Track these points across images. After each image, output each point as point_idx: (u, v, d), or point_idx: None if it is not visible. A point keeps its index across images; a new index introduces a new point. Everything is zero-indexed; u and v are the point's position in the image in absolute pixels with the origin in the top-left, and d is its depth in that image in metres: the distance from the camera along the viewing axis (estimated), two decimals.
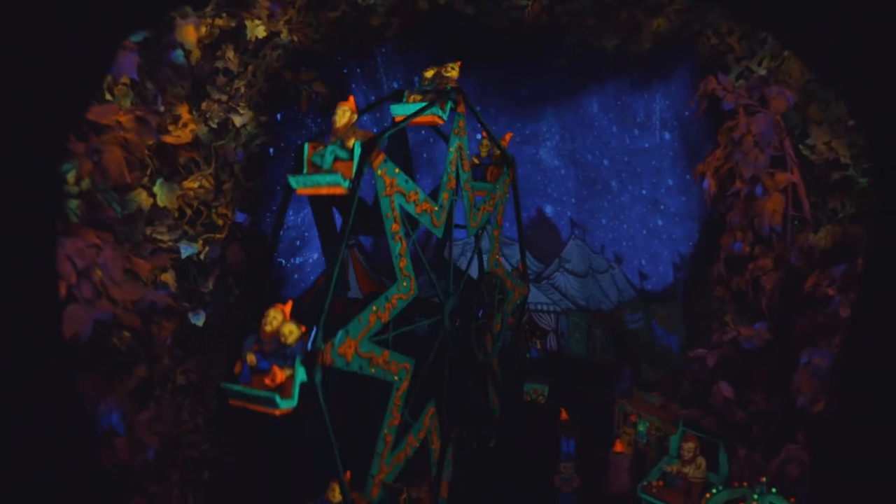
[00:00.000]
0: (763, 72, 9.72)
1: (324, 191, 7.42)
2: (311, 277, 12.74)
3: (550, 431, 12.51)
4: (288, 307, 6.91)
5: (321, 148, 7.39)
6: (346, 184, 7.25)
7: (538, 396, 14.17)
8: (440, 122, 9.27)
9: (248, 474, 10.26)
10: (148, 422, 7.27)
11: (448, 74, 9.50)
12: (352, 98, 7.81)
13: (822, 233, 9.19)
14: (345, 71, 12.97)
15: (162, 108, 7.85)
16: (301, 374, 6.54)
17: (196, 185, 8.62)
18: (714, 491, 8.88)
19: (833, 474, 4.45)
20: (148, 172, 7.79)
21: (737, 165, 9.41)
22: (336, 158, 7.35)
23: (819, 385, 8.26)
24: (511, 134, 11.44)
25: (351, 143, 7.28)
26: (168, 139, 7.70)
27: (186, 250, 8.53)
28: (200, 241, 8.88)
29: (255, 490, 10.30)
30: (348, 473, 7.61)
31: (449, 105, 9.21)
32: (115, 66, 6.35)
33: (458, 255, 11.24)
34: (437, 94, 9.30)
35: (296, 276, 13.06)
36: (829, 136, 9.22)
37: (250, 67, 9.48)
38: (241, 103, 9.23)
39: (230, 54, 8.94)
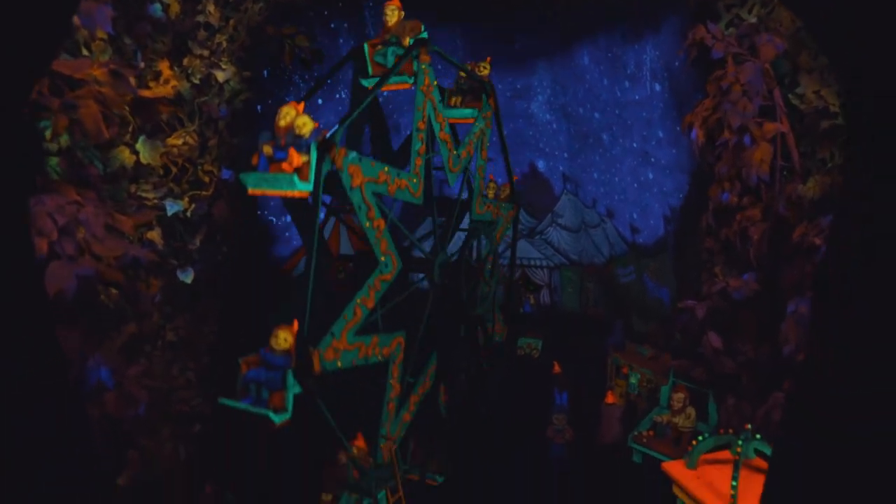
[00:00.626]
0: (753, 20, 9.54)
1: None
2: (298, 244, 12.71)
3: (543, 384, 12.66)
4: (301, 105, 6.87)
5: (380, 47, 7.63)
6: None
7: (532, 350, 14.33)
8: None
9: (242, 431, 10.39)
10: (138, 377, 7.36)
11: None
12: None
13: (810, 183, 9.13)
14: (332, 26, 12.76)
15: (142, 65, 7.74)
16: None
17: (180, 141, 8.55)
18: (700, 438, 9.01)
19: (807, 418, 4.49)
20: (130, 129, 7.71)
21: (725, 115, 9.29)
22: (397, 57, 7.82)
23: (805, 333, 8.31)
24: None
25: (407, 40, 7.75)
26: (146, 93, 7.60)
27: (172, 208, 8.51)
28: (186, 199, 8.86)
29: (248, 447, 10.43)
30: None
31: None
32: (88, 19, 6.24)
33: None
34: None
35: (287, 233, 13.05)
36: (819, 84, 9.09)
37: (232, 21, 9.32)
38: (223, 58, 9.10)
39: (211, 8, 8.78)
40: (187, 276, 8.89)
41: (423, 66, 8.70)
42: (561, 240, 15.39)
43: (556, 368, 12.94)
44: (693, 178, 12.34)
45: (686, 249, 12.59)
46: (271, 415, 6.49)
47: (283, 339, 6.91)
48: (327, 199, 9.24)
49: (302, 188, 6.66)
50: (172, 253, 8.85)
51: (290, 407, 6.60)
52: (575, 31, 13.54)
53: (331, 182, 7.12)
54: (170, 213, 8.44)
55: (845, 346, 3.95)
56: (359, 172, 7.41)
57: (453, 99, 10.21)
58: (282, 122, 6.69)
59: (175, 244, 8.81)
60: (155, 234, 8.18)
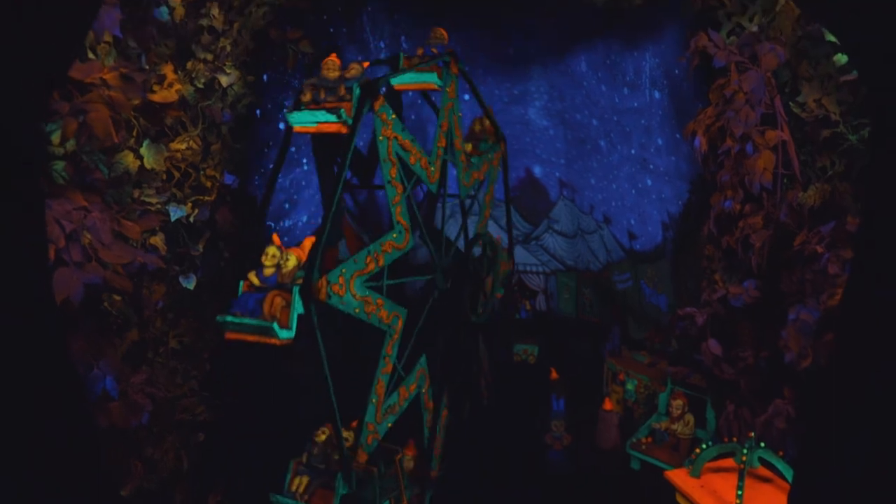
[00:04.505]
0: (754, 28, 9.57)
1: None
2: (301, 238, 12.58)
3: (541, 390, 12.63)
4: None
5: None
6: (282, 334, 6.79)
7: (528, 356, 14.30)
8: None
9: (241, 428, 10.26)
10: (141, 385, 7.22)
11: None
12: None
13: (811, 190, 9.18)
14: (331, 30, 12.67)
15: (146, 68, 7.62)
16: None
17: (183, 146, 8.43)
18: (703, 446, 9.01)
19: (819, 428, 4.47)
20: (134, 133, 7.58)
21: (728, 123, 9.32)
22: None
23: (806, 341, 8.34)
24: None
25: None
26: (155, 98, 7.49)
27: (176, 213, 8.38)
28: (189, 204, 8.73)
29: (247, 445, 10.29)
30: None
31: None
32: (98, 22, 6.12)
33: (448, 216, 11.13)
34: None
35: (285, 238, 12.88)
36: (820, 93, 9.13)
37: (236, 25, 9.21)
38: (227, 63, 8.99)
39: (215, 11, 8.67)
40: (190, 283, 8.76)
41: (453, 78, 9.43)
42: (557, 245, 15.36)
43: (554, 374, 12.91)
44: (692, 186, 12.36)
45: (684, 256, 12.63)
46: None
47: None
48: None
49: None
50: (175, 258, 8.72)
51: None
52: (572, 38, 13.54)
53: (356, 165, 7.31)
54: (173, 218, 8.32)
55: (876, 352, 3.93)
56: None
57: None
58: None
59: (178, 250, 8.68)
60: (158, 240, 8.04)
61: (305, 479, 7.64)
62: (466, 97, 13.06)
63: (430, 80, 9.21)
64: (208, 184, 9.05)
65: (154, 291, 8.08)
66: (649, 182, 13.57)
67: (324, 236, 6.84)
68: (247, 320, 6.61)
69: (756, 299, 9.43)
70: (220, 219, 9.34)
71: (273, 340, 6.66)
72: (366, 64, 8.63)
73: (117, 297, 7.24)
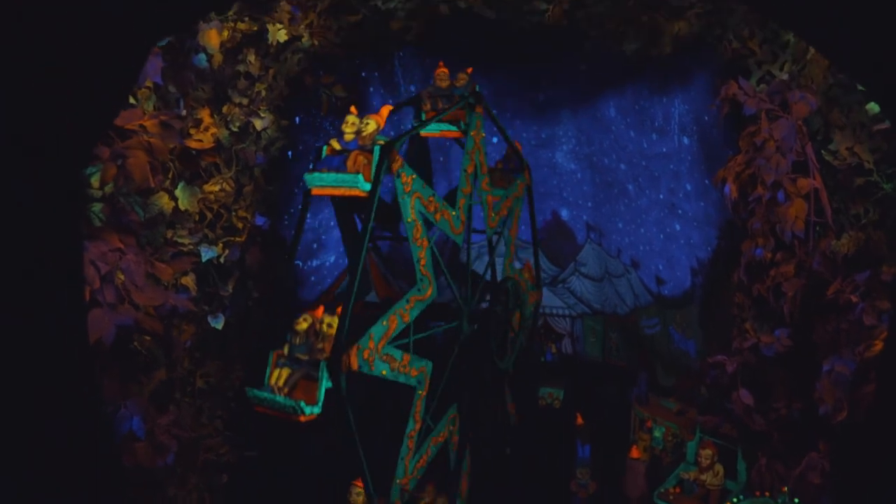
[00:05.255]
0: (785, 76, 9.55)
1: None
2: (328, 280, 12.65)
3: (566, 436, 12.42)
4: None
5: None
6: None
7: (553, 400, 14.08)
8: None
9: (267, 478, 10.23)
10: (168, 425, 7.23)
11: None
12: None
13: (844, 239, 9.03)
14: (363, 74, 12.93)
15: (184, 112, 7.81)
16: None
17: (217, 188, 8.57)
18: (735, 500, 8.77)
19: (854, 484, 4.34)
20: (170, 176, 7.74)
21: (758, 171, 9.24)
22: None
23: (842, 393, 8.12)
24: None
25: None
26: (192, 144, 7.66)
27: (207, 253, 8.49)
28: (220, 245, 8.84)
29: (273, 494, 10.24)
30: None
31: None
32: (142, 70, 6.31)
33: (474, 258, 11.14)
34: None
35: (313, 278, 13.00)
36: (852, 140, 9.04)
37: (271, 71, 9.43)
38: (261, 107, 9.18)
39: (251, 58, 8.89)
40: (218, 323, 8.82)
41: (478, 119, 9.51)
42: (584, 289, 15.26)
43: (579, 420, 12.69)
44: (721, 232, 12.25)
45: (714, 302, 12.45)
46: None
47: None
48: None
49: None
50: (204, 298, 8.80)
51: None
52: (602, 84, 13.64)
53: (380, 209, 7.49)
54: (204, 259, 8.41)
55: None
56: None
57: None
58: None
59: (208, 289, 8.76)
60: (189, 280, 8.14)
61: (286, 371, 7.09)
62: (494, 140, 13.18)
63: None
64: (239, 225, 9.17)
65: (183, 331, 8.14)
66: (678, 227, 13.49)
67: (349, 304, 6.81)
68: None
69: (788, 349, 9.24)
70: (250, 259, 9.44)
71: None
72: (469, 70, 9.36)
73: (147, 337, 7.30)
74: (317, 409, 6.62)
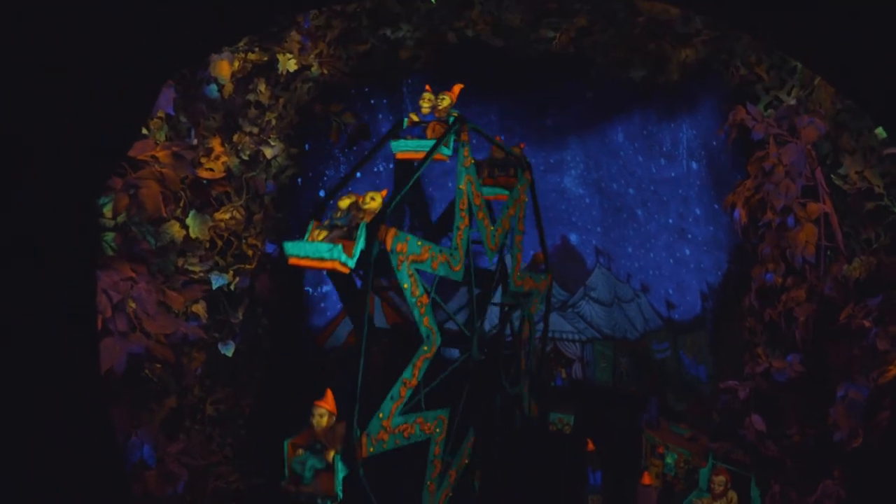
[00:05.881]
0: (793, 101, 9.57)
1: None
2: (338, 306, 12.68)
3: (576, 462, 12.29)
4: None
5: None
6: (349, 262, 6.95)
7: (564, 426, 13.93)
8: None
9: None
10: (178, 454, 7.21)
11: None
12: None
13: (855, 263, 8.96)
14: (371, 102, 13.07)
15: (195, 142, 7.90)
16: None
17: (227, 216, 8.64)
18: None
19: None
20: (181, 204, 7.81)
21: (768, 195, 9.23)
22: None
23: (856, 420, 8.02)
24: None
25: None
26: (203, 173, 7.75)
27: (217, 281, 8.53)
28: (231, 272, 8.88)
29: None
30: None
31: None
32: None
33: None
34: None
35: (322, 304, 13.02)
36: (862, 165, 9.02)
37: (281, 100, 9.55)
38: (271, 135, 9.28)
39: (262, 87, 9.01)
40: (228, 350, 8.83)
41: (464, 146, 8.96)
42: (593, 313, 15.19)
43: (590, 446, 12.56)
44: (731, 256, 12.22)
45: (725, 327, 12.37)
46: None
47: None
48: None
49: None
50: (215, 325, 8.83)
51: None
52: (609, 109, 13.72)
53: (376, 260, 7.18)
54: (215, 286, 8.46)
55: None
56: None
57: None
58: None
59: (218, 317, 8.79)
60: (200, 308, 8.16)
61: (325, 232, 7.20)
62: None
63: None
64: (250, 252, 9.22)
65: (194, 359, 8.16)
66: (687, 251, 13.46)
67: (356, 400, 6.76)
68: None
69: (801, 374, 9.14)
70: (260, 286, 9.46)
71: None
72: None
73: (158, 365, 7.32)
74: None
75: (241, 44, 8.67)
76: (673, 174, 13.30)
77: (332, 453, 6.67)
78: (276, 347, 9.23)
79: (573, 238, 15.37)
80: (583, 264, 15.39)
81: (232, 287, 8.88)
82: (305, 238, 7.25)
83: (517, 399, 11.41)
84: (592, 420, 13.96)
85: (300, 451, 6.86)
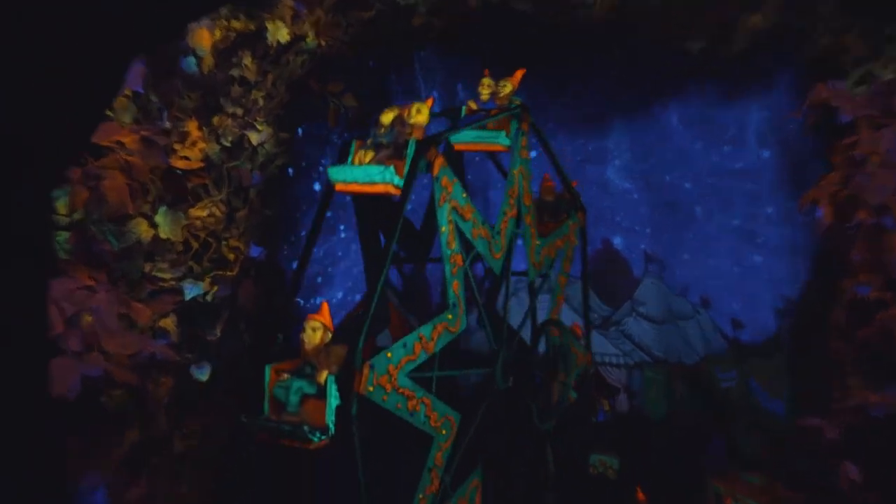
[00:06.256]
0: (890, 76, 9.43)
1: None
2: (335, 320, 12.64)
3: None
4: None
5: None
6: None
7: (607, 470, 13.78)
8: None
9: None
10: (140, 499, 7.14)
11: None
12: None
13: None
14: (378, 78, 13.04)
15: (168, 125, 7.85)
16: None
17: (205, 213, 8.57)
18: None
19: None
20: (150, 199, 7.74)
21: (859, 191, 9.09)
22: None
23: None
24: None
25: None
26: (176, 162, 7.68)
27: (191, 290, 8.46)
28: (208, 280, 8.81)
29: None
30: None
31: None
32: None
33: (512, 293, 10.95)
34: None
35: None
36: None
37: (270, 76, 9.50)
38: (258, 118, 9.24)
39: (247, 61, 8.96)
40: (203, 374, 8.75)
41: (523, 135, 9.67)
42: (643, 333, 15.02)
43: (640, 495, 12.43)
44: (813, 265, 12.08)
45: (806, 351, 12.21)
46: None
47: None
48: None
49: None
50: (187, 344, 8.75)
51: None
52: (661, 88, 13.62)
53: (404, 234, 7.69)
54: (188, 296, 8.39)
55: None
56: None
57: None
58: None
59: (192, 332, 8.72)
60: (169, 322, 8.09)
61: (370, 153, 7.59)
62: (534, 153, 13.12)
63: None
64: (231, 256, 9.15)
65: (161, 384, 8.07)
66: (758, 259, 13.35)
67: (368, 318, 6.72)
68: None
69: None
70: (243, 296, 9.39)
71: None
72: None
73: (118, 391, 7.24)
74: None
75: (225, 9, 8.64)
76: (739, 165, 13.19)
77: (324, 374, 6.44)
78: (259, 371, 9.13)
79: (617, 242, 15.24)
80: (629, 274, 15.25)
81: (209, 298, 8.80)
82: (349, 160, 7.65)
83: (550, 439, 11.29)
84: (642, 464, 13.83)
85: (285, 375, 6.67)
